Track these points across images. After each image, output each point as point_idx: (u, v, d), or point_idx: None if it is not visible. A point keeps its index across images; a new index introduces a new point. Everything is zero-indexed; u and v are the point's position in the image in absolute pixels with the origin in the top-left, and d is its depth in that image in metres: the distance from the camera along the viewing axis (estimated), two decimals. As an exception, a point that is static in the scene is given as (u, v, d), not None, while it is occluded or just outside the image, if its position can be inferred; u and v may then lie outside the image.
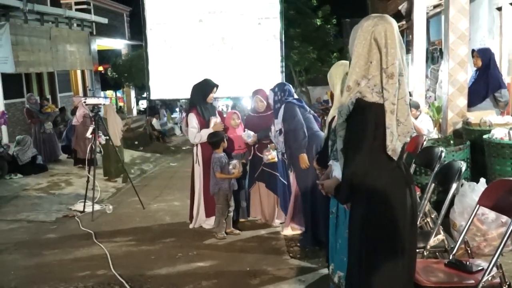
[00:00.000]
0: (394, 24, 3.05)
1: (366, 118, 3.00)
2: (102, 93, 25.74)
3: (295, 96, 6.75)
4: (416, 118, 7.93)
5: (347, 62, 4.49)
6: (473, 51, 7.87)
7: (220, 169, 6.96)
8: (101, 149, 10.61)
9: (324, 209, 5.50)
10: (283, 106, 6.51)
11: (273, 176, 7.37)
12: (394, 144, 3.00)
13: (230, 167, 6.99)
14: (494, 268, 3.34)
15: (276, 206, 7.49)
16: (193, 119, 7.27)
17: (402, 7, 16.05)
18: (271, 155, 7.16)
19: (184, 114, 25.09)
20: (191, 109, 7.43)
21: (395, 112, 2.98)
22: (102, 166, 11.83)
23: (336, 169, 3.67)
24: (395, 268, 3.12)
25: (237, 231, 7.18)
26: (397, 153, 3.03)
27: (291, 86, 6.84)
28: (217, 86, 7.40)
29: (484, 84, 7.65)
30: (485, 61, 7.63)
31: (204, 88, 7.37)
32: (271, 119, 7.13)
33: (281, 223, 7.41)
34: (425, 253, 4.07)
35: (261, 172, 7.43)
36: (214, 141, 7.08)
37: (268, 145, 7.24)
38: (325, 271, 5.34)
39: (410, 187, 3.17)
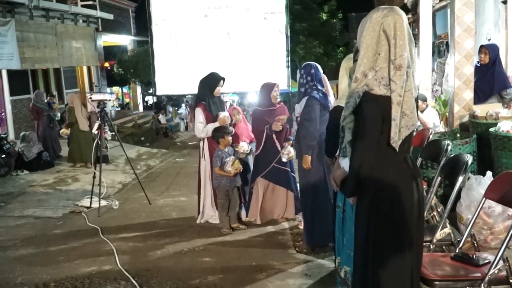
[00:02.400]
0: (404, 16, 3.03)
1: (373, 111, 2.99)
2: (108, 89, 25.80)
3: (322, 83, 6.20)
4: (422, 111, 7.91)
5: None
6: (481, 46, 7.82)
7: (219, 164, 6.97)
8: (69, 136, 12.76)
9: (328, 205, 5.51)
10: (305, 99, 6.10)
11: (285, 172, 7.26)
12: (397, 137, 2.99)
13: (229, 164, 6.94)
14: (501, 261, 3.32)
15: (292, 201, 7.34)
16: (199, 114, 7.24)
17: (408, 1, 16.02)
18: (291, 154, 6.99)
19: (189, 110, 25.19)
20: (198, 103, 7.38)
21: (401, 104, 2.97)
22: (68, 152, 13.16)
23: (345, 165, 3.63)
24: (403, 261, 3.11)
25: (243, 226, 7.19)
26: (398, 144, 3.02)
27: (319, 67, 6.27)
28: (223, 79, 7.33)
29: (489, 82, 7.59)
30: (493, 57, 7.59)
31: (210, 82, 7.32)
32: (281, 113, 7.19)
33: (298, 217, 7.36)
34: (431, 247, 4.05)
35: (272, 170, 7.24)
36: (213, 135, 7.11)
37: (285, 143, 7.11)
38: (331, 265, 5.34)
39: (417, 180, 3.16)
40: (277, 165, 7.19)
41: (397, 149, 3.02)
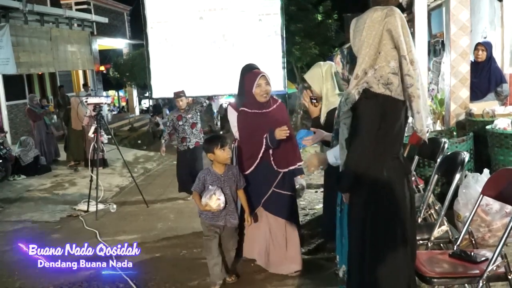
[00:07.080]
0: (402, 15, 3.09)
1: (372, 108, 3.03)
2: (104, 93, 25.79)
3: None
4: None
5: (327, 63, 4.71)
6: (477, 44, 7.84)
7: (199, 189, 5.01)
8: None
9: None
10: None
11: (283, 197, 5.25)
12: (425, 128, 3.11)
13: (207, 196, 4.89)
14: (499, 258, 3.32)
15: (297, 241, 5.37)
16: None
17: (403, 0, 16.03)
18: (305, 187, 5.92)
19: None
20: None
21: (421, 97, 3.07)
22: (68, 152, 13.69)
23: (329, 155, 3.65)
24: (398, 258, 3.13)
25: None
26: (426, 136, 3.14)
27: None
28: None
29: (486, 79, 7.63)
30: (489, 54, 7.64)
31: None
32: (281, 117, 5.33)
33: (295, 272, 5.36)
34: (429, 244, 4.05)
35: (272, 196, 5.23)
36: (204, 147, 5.34)
37: (298, 177, 5.43)
38: (330, 265, 5.32)
39: (408, 177, 3.23)
40: (277, 190, 5.24)
41: (426, 141, 3.17)
